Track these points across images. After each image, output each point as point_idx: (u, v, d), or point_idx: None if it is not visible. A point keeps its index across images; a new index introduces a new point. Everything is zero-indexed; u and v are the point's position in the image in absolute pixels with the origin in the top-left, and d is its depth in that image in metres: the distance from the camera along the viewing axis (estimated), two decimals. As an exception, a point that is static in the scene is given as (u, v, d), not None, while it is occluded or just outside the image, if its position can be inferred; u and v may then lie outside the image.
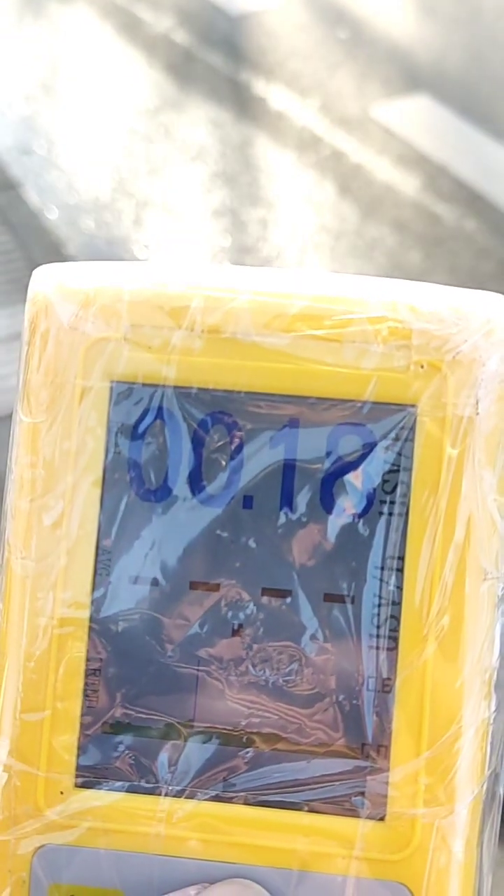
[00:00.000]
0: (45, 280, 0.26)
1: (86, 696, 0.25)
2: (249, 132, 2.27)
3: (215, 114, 2.32)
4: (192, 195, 2.08)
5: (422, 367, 0.24)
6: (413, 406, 0.24)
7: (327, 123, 2.29)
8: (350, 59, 2.55)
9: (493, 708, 0.24)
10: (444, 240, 1.98)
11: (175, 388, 0.25)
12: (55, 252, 1.88)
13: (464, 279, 1.87)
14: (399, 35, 2.67)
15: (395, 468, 0.24)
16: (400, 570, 0.24)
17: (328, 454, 0.25)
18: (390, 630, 0.24)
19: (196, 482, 0.25)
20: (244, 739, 0.24)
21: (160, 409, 0.25)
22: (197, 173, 2.14)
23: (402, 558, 0.24)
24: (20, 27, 2.68)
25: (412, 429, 0.24)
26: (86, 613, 0.25)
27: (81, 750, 0.24)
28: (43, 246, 1.90)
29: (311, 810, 0.24)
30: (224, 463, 0.25)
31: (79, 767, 0.24)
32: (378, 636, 0.24)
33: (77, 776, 0.24)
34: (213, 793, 0.24)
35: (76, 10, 2.73)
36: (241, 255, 1.91)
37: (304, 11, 2.76)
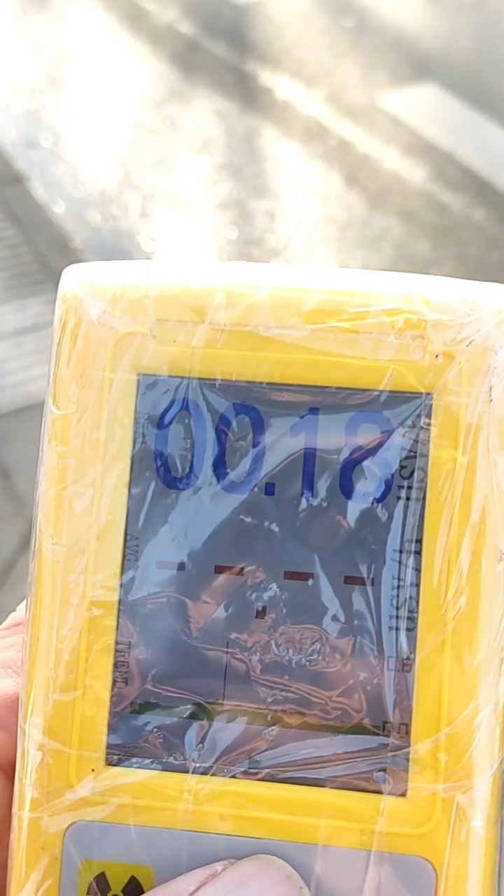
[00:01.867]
0: (75, 279, 0.27)
1: (115, 676, 0.25)
2: (255, 123, 2.26)
3: (221, 105, 2.32)
4: (198, 187, 2.07)
5: (436, 356, 0.25)
6: (429, 394, 0.25)
7: (334, 113, 2.28)
8: (356, 48, 2.53)
9: None
10: (452, 229, 1.97)
11: (199, 379, 0.26)
12: (62, 246, 1.88)
13: (472, 269, 1.86)
14: (405, 23, 2.65)
15: (412, 454, 0.25)
16: (418, 553, 0.25)
17: (347, 442, 0.26)
18: (409, 611, 0.25)
19: (220, 470, 0.26)
20: (269, 718, 0.25)
21: (185, 400, 0.26)
22: (203, 165, 2.14)
23: (419, 541, 0.25)
24: (24, 20, 2.67)
25: (428, 416, 0.25)
26: (115, 596, 0.25)
27: (111, 729, 0.25)
28: (49, 240, 1.90)
29: (335, 786, 0.25)
30: (247, 451, 0.26)
31: (109, 746, 0.25)
32: (397, 617, 0.25)
33: (107, 754, 0.25)
34: (239, 770, 0.25)
35: (80, 3, 2.72)
36: (247, 247, 1.91)
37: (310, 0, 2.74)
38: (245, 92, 2.36)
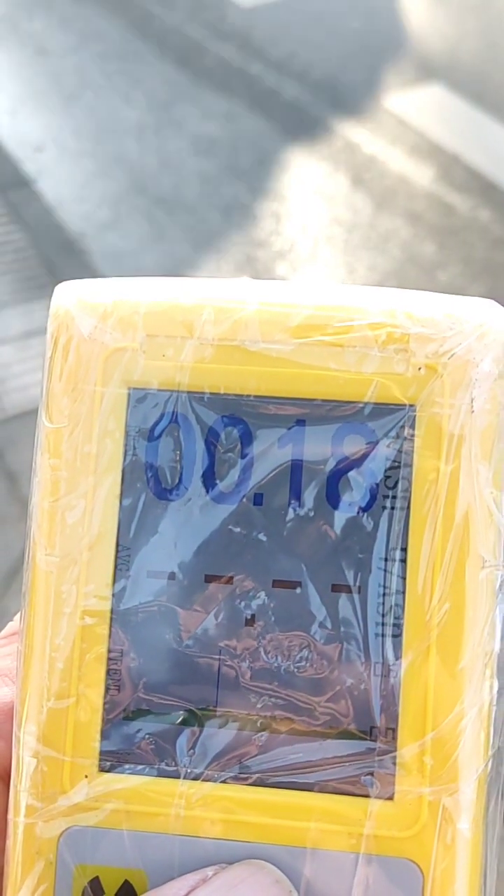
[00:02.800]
0: (66, 295, 0.27)
1: (108, 684, 0.26)
2: (261, 125, 2.26)
3: (227, 107, 2.32)
4: (204, 189, 2.07)
5: (419, 369, 0.26)
6: (412, 406, 0.26)
7: (339, 115, 2.28)
8: (362, 50, 2.53)
9: (495, 690, 0.25)
10: (459, 231, 1.97)
11: (188, 393, 0.27)
12: (68, 249, 1.88)
13: (478, 270, 1.86)
14: (411, 24, 2.65)
15: (397, 465, 0.26)
16: (403, 561, 0.26)
17: (333, 453, 0.26)
18: (395, 618, 0.26)
19: (209, 481, 0.26)
20: (258, 724, 0.26)
21: (174, 413, 0.27)
22: (209, 167, 2.14)
23: (404, 549, 0.26)
24: (30, 21, 2.68)
25: (412, 427, 0.26)
26: (107, 606, 0.26)
27: (104, 735, 0.26)
28: (56, 243, 1.90)
29: (323, 790, 0.25)
30: (235, 462, 0.26)
31: (102, 752, 0.26)
32: (383, 624, 0.26)
33: (100, 760, 0.26)
34: (230, 775, 0.25)
35: (86, 4, 2.73)
36: (253, 249, 1.91)
37: (316, 1, 2.74)
38: (251, 94, 2.36)
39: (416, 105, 2.32)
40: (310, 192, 2.07)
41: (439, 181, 2.09)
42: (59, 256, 1.85)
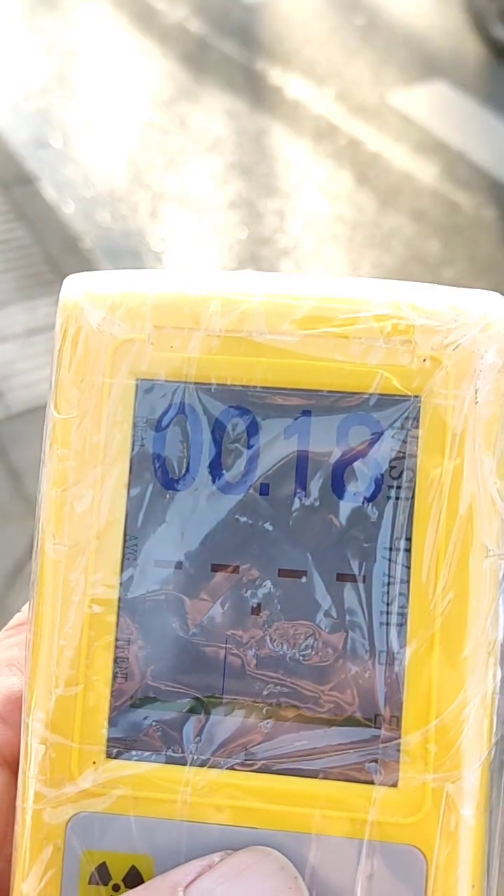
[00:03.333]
0: (75, 288, 0.28)
1: (116, 671, 0.26)
2: (265, 122, 2.26)
3: (231, 104, 2.32)
4: (207, 186, 2.07)
5: (424, 360, 0.26)
6: (417, 397, 0.26)
7: (344, 112, 2.28)
8: (366, 46, 2.53)
9: (498, 679, 0.25)
10: (463, 228, 1.97)
11: (195, 384, 0.27)
12: (72, 246, 1.88)
13: (483, 268, 1.86)
14: (416, 21, 2.65)
15: (401, 455, 0.26)
16: (407, 551, 0.26)
17: (338, 443, 0.26)
18: (399, 607, 0.26)
19: (216, 471, 0.27)
20: (264, 711, 0.26)
21: (182, 404, 0.27)
22: (213, 164, 2.14)
23: (409, 539, 0.26)
24: (33, 20, 2.68)
25: (416, 418, 0.26)
26: (115, 594, 0.26)
27: (112, 723, 0.26)
28: (59, 240, 1.90)
29: (328, 777, 0.25)
30: (242, 453, 0.27)
31: (109, 739, 0.26)
32: (388, 612, 0.26)
33: (108, 747, 0.26)
34: (236, 762, 0.26)
35: (90, 2, 2.72)
36: (257, 247, 1.91)
37: (320, -2, 2.74)
38: (255, 91, 2.36)
39: (420, 102, 2.31)
40: (314, 189, 2.07)
41: (444, 178, 2.09)
42: (62, 253, 1.85)
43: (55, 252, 1.86)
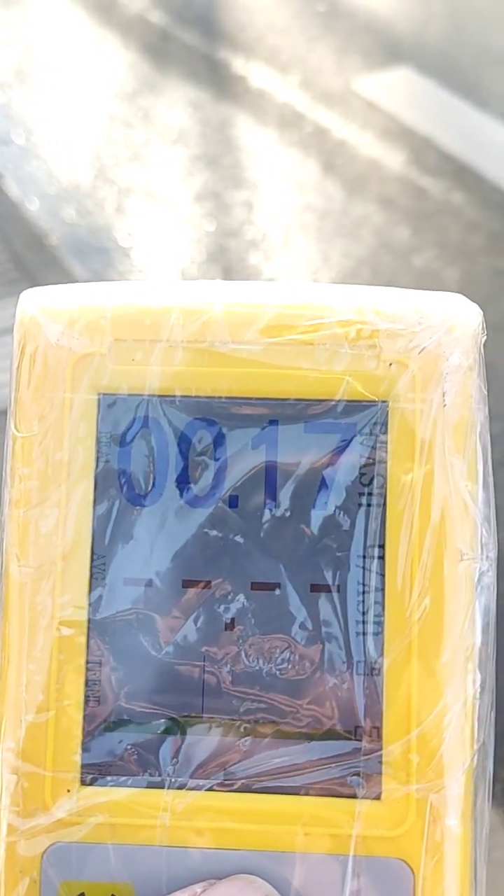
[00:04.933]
0: (32, 303, 0.27)
1: (87, 695, 0.25)
2: (229, 112, 2.24)
3: (194, 94, 2.29)
4: (174, 179, 2.05)
5: (390, 365, 0.26)
6: (384, 402, 0.26)
7: (309, 99, 2.26)
8: (329, 33, 2.51)
9: (477, 684, 0.25)
10: (432, 214, 1.96)
11: (159, 396, 0.26)
12: (37, 244, 1.85)
13: (453, 254, 1.85)
14: (378, 6, 2.63)
15: (371, 461, 0.26)
16: (381, 558, 0.25)
17: (307, 452, 0.26)
18: (375, 615, 0.25)
19: (184, 485, 0.26)
20: (242, 729, 0.25)
21: (146, 417, 0.26)
22: (178, 157, 2.11)
23: (382, 546, 0.26)
24: (-8, 13, 2.63)
25: (385, 423, 0.26)
26: (84, 615, 0.26)
27: (85, 748, 0.25)
28: (24, 238, 1.87)
29: (310, 793, 0.25)
30: (209, 465, 0.26)
31: (84, 765, 0.25)
32: (364, 622, 0.25)
33: (82, 774, 0.25)
34: (215, 782, 0.25)
35: (48, -6, 2.69)
36: (226, 239, 1.89)
37: (281, -15, 2.72)
38: (218, 81, 2.33)
39: (385, 88, 2.30)
40: (281, 179, 2.05)
41: (411, 165, 2.08)
42: (27, 251, 1.82)
43: (20, 250, 1.83)
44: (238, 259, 1.84)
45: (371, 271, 1.81)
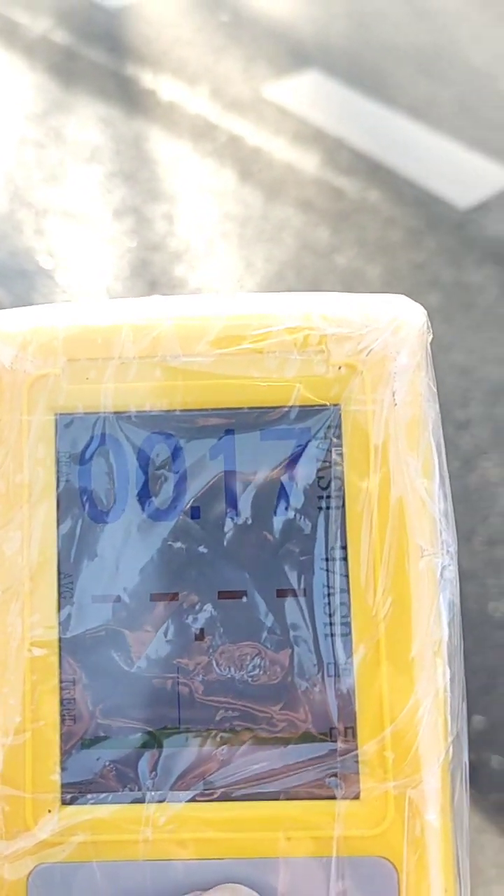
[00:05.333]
0: None
1: (63, 714, 0.25)
2: (142, 127, 2.24)
3: (105, 111, 2.29)
4: (91, 197, 2.04)
5: (339, 368, 0.26)
6: (336, 405, 0.26)
7: (219, 109, 2.27)
8: (234, 42, 2.52)
9: (447, 677, 0.25)
10: (350, 213, 1.98)
11: (115, 413, 0.27)
12: (-42, 272, 1.83)
13: (373, 251, 1.87)
14: (280, 12, 2.66)
15: (327, 464, 0.26)
16: (344, 559, 0.26)
17: (264, 459, 0.26)
18: (342, 616, 0.26)
19: (145, 499, 0.27)
20: (218, 738, 0.26)
21: (103, 434, 0.27)
22: (94, 175, 2.11)
23: (344, 548, 0.26)
24: None
25: (338, 426, 0.26)
26: (55, 635, 0.26)
27: (64, 767, 0.25)
28: None
29: (289, 798, 0.25)
30: (169, 478, 0.27)
31: (63, 785, 0.25)
32: (331, 623, 0.26)
33: (63, 793, 0.25)
34: (195, 793, 0.25)
35: None
36: (148, 254, 1.89)
37: (183, -3, 2.73)
38: (128, 96, 2.33)
39: (294, 92, 2.32)
40: (198, 189, 2.05)
41: (326, 166, 2.10)
42: None
43: None
44: (162, 272, 1.84)
45: (295, 274, 1.82)
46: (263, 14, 2.64)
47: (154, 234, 1.93)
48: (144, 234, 1.93)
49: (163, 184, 2.08)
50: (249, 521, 0.26)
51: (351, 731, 0.25)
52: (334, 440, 0.26)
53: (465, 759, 0.25)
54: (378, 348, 0.26)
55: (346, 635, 0.25)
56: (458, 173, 2.08)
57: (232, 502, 0.26)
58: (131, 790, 0.25)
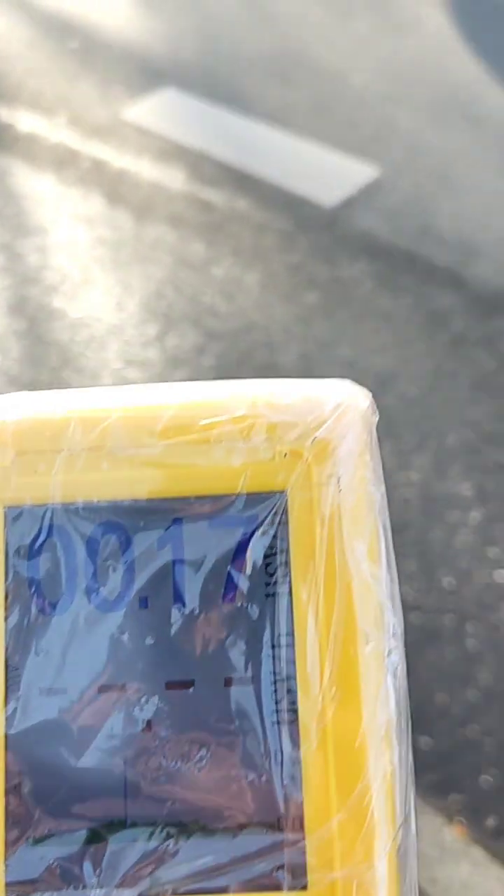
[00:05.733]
0: None
1: (7, 812, 0.25)
2: (3, 162, 2.22)
3: (-37, 152, 2.26)
4: (-40, 239, 2.01)
5: (285, 455, 0.27)
6: (282, 492, 0.27)
7: (80, 136, 2.27)
8: (88, 68, 2.52)
9: (396, 759, 0.25)
10: (222, 224, 2.00)
11: (63, 505, 0.27)
12: None
13: (249, 258, 1.90)
14: (130, 33, 2.67)
15: (273, 551, 0.26)
16: (291, 646, 0.26)
17: (212, 547, 0.27)
18: (289, 703, 0.26)
19: (93, 591, 0.26)
20: (165, 832, 0.25)
21: (51, 526, 0.27)
22: (-40, 216, 2.08)
23: (291, 635, 0.26)
24: None
25: (285, 512, 0.27)
26: (0, 730, 0.25)
27: (8, 865, 0.25)
28: None
29: (238, 891, 0.25)
30: (117, 569, 0.27)
31: (8, 883, 0.25)
32: (278, 710, 0.26)
33: (7, 892, 0.25)
34: (141, 889, 0.25)
35: None
36: (25, 288, 1.87)
37: (30, 28, 2.71)
38: (-14, 133, 2.31)
39: (152, 111, 2.33)
40: (68, 218, 2.05)
41: (192, 181, 2.12)
42: None
43: None
44: (41, 306, 1.82)
45: (174, 290, 1.83)
46: (113, 37, 2.65)
47: (28, 269, 1.92)
48: (18, 270, 1.92)
49: (31, 217, 2.07)
50: (196, 611, 0.26)
51: (298, 821, 0.25)
52: (281, 527, 0.26)
53: (414, 843, 0.25)
54: (323, 434, 0.26)
55: (293, 722, 0.25)
56: (321, 173, 2.12)
57: (179, 592, 0.26)
58: (76, 888, 0.25)
